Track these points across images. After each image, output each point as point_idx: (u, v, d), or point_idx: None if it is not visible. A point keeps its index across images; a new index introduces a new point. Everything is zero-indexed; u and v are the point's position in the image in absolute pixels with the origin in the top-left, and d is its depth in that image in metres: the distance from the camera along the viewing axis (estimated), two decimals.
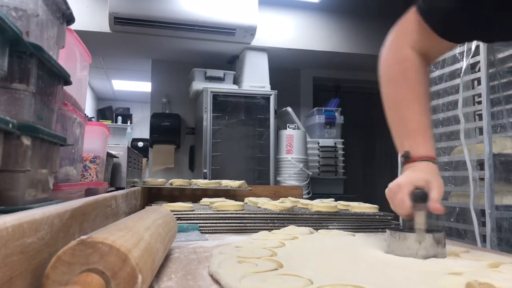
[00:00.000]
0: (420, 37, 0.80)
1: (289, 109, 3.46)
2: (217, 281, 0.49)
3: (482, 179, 1.80)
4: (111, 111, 6.66)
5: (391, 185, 0.72)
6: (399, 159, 0.78)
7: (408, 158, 0.75)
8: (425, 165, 0.73)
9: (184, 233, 0.88)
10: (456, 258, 0.63)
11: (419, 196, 0.68)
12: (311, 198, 1.84)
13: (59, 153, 0.65)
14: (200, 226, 0.94)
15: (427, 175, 0.70)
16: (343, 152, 3.52)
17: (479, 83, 1.82)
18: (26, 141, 0.50)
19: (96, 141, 1.13)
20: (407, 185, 0.69)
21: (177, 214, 0.96)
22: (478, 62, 1.81)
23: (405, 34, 0.83)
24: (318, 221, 1.03)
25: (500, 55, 1.85)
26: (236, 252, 0.63)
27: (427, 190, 0.68)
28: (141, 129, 6.56)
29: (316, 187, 3.32)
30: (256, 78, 3.41)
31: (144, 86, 5.40)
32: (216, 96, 3.20)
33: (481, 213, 1.80)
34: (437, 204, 0.67)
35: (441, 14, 0.77)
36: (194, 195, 1.58)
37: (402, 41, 0.83)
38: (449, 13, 0.76)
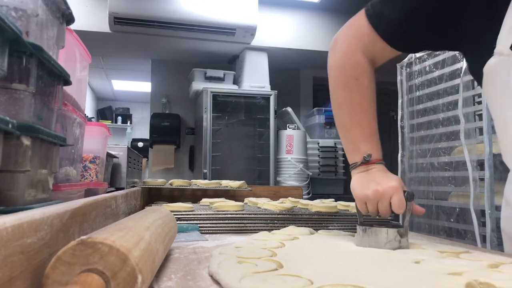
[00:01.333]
0: (370, 42, 0.83)
1: (289, 109, 3.46)
2: (217, 282, 0.49)
3: (482, 179, 1.80)
4: (111, 111, 6.67)
5: (376, 187, 0.76)
6: (355, 160, 0.84)
7: (368, 161, 0.80)
8: (383, 167, 0.81)
9: (184, 233, 0.88)
10: (456, 258, 0.63)
11: (412, 197, 0.75)
12: (311, 199, 1.84)
13: (59, 153, 0.65)
14: (200, 227, 0.94)
15: (396, 177, 0.78)
16: (343, 152, 3.51)
17: None
18: (26, 141, 0.50)
19: (96, 141, 1.13)
20: (401, 188, 0.75)
21: (177, 215, 0.96)
22: None
23: (357, 40, 0.84)
24: (318, 221, 1.03)
25: None
26: (236, 252, 0.63)
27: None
28: (141, 129, 6.56)
29: (316, 187, 3.32)
30: (256, 78, 3.41)
31: (144, 86, 5.40)
32: (216, 96, 3.20)
33: (481, 213, 1.81)
34: (420, 207, 0.78)
35: (387, 22, 0.80)
36: (194, 196, 1.58)
37: (354, 46, 0.84)
38: (395, 22, 0.79)
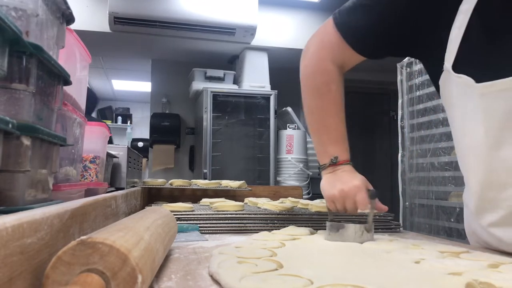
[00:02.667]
0: (338, 50, 0.87)
1: (289, 109, 3.45)
2: (217, 282, 0.49)
3: None
4: (111, 111, 6.66)
5: (342, 187, 0.82)
6: (324, 162, 0.89)
7: (335, 162, 0.86)
8: (350, 168, 0.86)
9: (184, 233, 0.88)
10: (456, 258, 0.63)
11: (375, 195, 0.82)
12: (311, 198, 1.84)
13: (59, 153, 0.65)
14: (200, 227, 0.94)
15: (360, 177, 0.84)
16: None
17: None
18: (26, 141, 0.50)
19: (96, 141, 1.13)
20: (364, 187, 0.82)
21: (177, 215, 0.96)
22: None
23: (326, 48, 0.89)
24: (318, 221, 1.03)
25: None
26: (236, 252, 0.63)
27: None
28: (141, 129, 6.55)
29: (316, 187, 3.32)
30: (256, 78, 3.41)
31: (144, 86, 5.40)
32: (216, 96, 3.20)
33: None
34: (383, 205, 0.84)
35: (354, 30, 0.84)
36: (194, 196, 1.58)
37: (323, 54, 0.89)
38: (361, 30, 0.84)
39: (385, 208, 0.85)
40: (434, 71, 0.78)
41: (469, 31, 0.70)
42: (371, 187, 0.83)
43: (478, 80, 0.68)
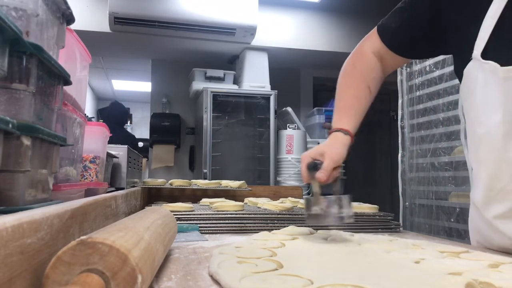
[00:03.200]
0: (378, 47, 0.95)
1: (289, 109, 3.46)
2: (217, 282, 0.49)
3: None
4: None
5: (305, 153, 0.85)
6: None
7: (329, 128, 0.89)
8: (334, 136, 0.86)
9: (184, 233, 0.88)
10: (456, 258, 0.63)
11: (312, 167, 0.80)
12: None
13: (59, 153, 0.65)
14: (200, 227, 0.94)
15: (326, 147, 0.83)
16: None
17: None
18: (26, 141, 0.50)
19: (96, 141, 1.13)
20: (306, 157, 0.82)
21: (177, 215, 0.96)
22: None
23: (368, 41, 0.97)
24: None
25: None
26: (236, 252, 0.63)
27: (322, 160, 0.80)
28: (141, 129, 6.56)
29: None
30: (256, 78, 3.41)
31: (144, 86, 5.40)
32: (216, 96, 3.20)
33: None
34: (321, 174, 0.78)
35: (389, 30, 0.93)
36: (194, 196, 1.58)
37: (365, 45, 0.97)
38: (396, 30, 0.92)
39: (322, 177, 0.78)
40: (460, 63, 0.81)
41: (501, 20, 0.73)
42: (320, 158, 0.80)
43: (504, 65, 0.71)
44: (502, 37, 0.73)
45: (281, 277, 0.49)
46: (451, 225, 2.01)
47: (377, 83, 0.97)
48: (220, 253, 0.62)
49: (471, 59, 0.76)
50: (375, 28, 0.97)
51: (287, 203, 1.20)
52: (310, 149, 0.84)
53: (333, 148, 0.82)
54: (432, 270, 0.54)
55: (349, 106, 0.92)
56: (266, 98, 3.29)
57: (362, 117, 0.93)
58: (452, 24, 0.82)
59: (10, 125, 0.45)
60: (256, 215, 1.02)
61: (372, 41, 0.96)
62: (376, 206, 1.16)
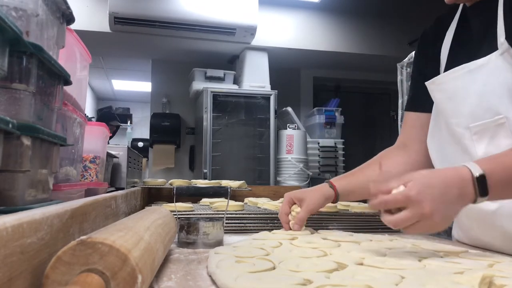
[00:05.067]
0: (416, 122, 1.00)
1: (289, 109, 3.45)
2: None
3: None
4: (109, 111, 6.65)
5: None
6: None
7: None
8: (321, 186, 0.93)
9: None
10: (456, 258, 0.63)
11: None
12: None
13: (59, 153, 0.65)
14: None
15: (308, 193, 0.90)
16: (343, 152, 3.52)
17: None
18: (26, 141, 0.50)
19: (96, 141, 1.13)
20: (287, 197, 0.91)
21: (177, 215, 0.96)
22: None
23: (404, 133, 1.05)
24: (318, 221, 1.03)
25: None
26: (233, 251, 0.63)
27: (300, 205, 0.88)
28: (141, 129, 6.55)
29: None
30: (256, 78, 3.40)
31: (144, 86, 5.40)
32: (216, 96, 3.20)
33: None
34: (296, 227, 0.86)
35: (415, 99, 1.00)
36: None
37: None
38: (418, 95, 0.98)
39: (297, 229, 0.87)
40: None
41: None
42: (306, 206, 0.87)
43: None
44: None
45: (277, 276, 0.49)
46: (451, 225, 2.01)
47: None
48: (216, 253, 0.62)
49: None
50: (404, 114, 1.02)
51: None
52: (292, 192, 0.92)
53: (313, 198, 0.88)
54: (436, 270, 0.54)
55: (351, 173, 0.99)
56: (266, 98, 3.29)
57: (361, 184, 0.94)
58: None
59: (10, 125, 0.45)
60: (256, 215, 1.02)
61: (405, 126, 1.01)
62: None
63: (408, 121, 1.01)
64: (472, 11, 0.86)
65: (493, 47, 0.76)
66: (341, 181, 0.94)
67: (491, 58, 0.75)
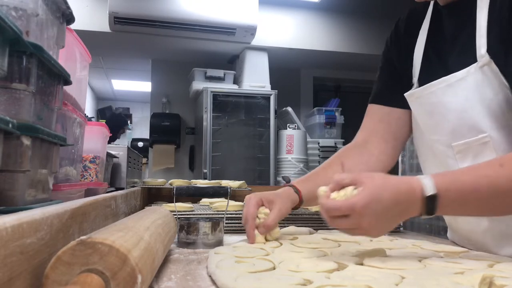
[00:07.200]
0: (382, 116, 0.97)
1: (289, 109, 3.45)
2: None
3: None
4: (111, 111, 6.65)
5: None
6: None
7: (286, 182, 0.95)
8: (286, 190, 0.86)
9: None
10: (456, 258, 0.63)
11: None
12: None
13: (59, 153, 0.65)
14: None
15: (277, 197, 0.82)
16: None
17: None
18: (26, 141, 0.50)
19: (96, 141, 1.13)
20: (254, 198, 0.81)
21: (177, 215, 0.96)
22: None
23: (365, 123, 1.02)
24: (318, 221, 1.03)
25: None
26: (233, 251, 0.63)
27: (269, 208, 0.80)
28: (141, 129, 6.55)
29: None
30: (256, 78, 3.40)
31: (144, 86, 5.40)
32: (216, 96, 3.19)
33: None
34: (262, 230, 0.77)
35: (380, 92, 1.00)
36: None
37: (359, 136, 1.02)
38: (385, 88, 0.98)
39: (264, 233, 0.79)
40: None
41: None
42: (278, 210, 0.80)
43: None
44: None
45: (277, 276, 0.49)
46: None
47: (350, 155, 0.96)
48: (215, 253, 0.62)
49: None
50: (368, 106, 0.99)
51: None
52: (260, 193, 0.83)
53: (283, 202, 0.81)
54: (436, 270, 0.54)
55: (315, 173, 0.94)
56: (266, 98, 3.28)
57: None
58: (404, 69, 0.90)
59: (10, 125, 0.45)
60: None
61: (369, 120, 0.97)
62: None
63: (372, 115, 0.96)
64: (445, 10, 0.81)
65: (470, 58, 0.72)
66: (305, 184, 0.88)
67: (470, 71, 0.71)
